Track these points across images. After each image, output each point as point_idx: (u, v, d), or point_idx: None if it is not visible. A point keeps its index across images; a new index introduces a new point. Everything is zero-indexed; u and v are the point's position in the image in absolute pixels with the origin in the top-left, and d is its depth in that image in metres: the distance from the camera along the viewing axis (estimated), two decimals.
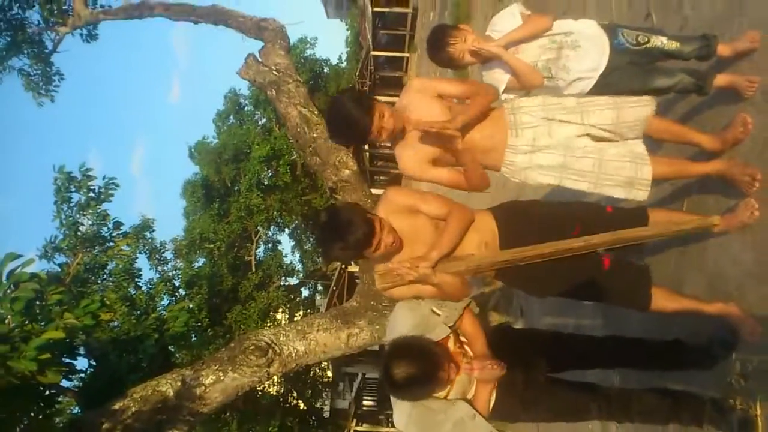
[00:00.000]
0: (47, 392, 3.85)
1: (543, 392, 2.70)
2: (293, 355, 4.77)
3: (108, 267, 10.21)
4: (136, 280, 11.97)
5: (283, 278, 20.70)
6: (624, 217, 2.80)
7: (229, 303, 16.63)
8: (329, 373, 19.06)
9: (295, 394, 16.15)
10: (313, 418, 16.53)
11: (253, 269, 19.04)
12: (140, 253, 14.38)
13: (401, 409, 2.47)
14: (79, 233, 7.67)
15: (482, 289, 7.30)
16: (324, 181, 5.98)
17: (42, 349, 3.26)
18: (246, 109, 23.25)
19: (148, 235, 14.14)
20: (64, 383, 5.14)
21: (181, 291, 15.59)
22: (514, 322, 6.40)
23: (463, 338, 2.65)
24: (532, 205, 2.94)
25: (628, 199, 2.87)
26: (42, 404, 3.80)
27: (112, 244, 8.22)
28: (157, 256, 15.50)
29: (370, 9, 25.83)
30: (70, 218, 7.54)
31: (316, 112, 5.91)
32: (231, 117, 23.12)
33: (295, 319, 17.68)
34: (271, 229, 21.99)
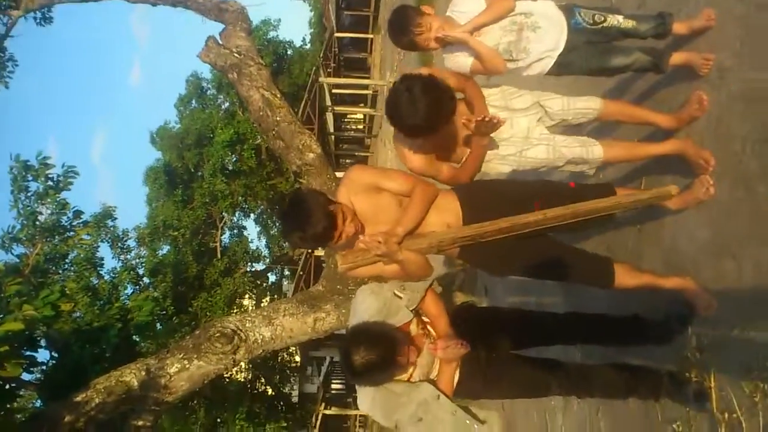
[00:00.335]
0: (7, 386, 3.79)
1: (506, 369, 2.73)
2: (259, 341, 4.75)
3: (69, 257, 10.04)
4: (99, 269, 11.81)
5: (249, 264, 20.59)
6: (587, 192, 2.82)
7: (194, 290, 16.49)
8: (297, 358, 19.07)
9: (263, 380, 16.15)
10: (282, 403, 16.56)
11: (219, 255, 18.88)
12: (102, 241, 14.16)
13: (365, 393, 2.49)
14: (37, 223, 7.53)
15: (446, 270, 7.36)
16: (288, 165, 5.94)
17: (0, 341, 3.20)
18: (208, 92, 22.90)
19: (109, 223, 13.93)
20: (25, 376, 5.04)
21: (146, 279, 15.41)
22: (479, 302, 6.46)
23: (426, 318, 2.66)
24: (494, 183, 2.96)
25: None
26: (1, 398, 3.73)
27: (72, 233, 8.09)
28: (119, 244, 15.28)
29: None
30: (28, 208, 7.39)
31: (279, 96, 5.84)
32: (193, 101, 22.72)
33: (262, 305, 17.59)
34: (236, 214, 21.78)
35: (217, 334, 4.61)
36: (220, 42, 6.00)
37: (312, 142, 5.65)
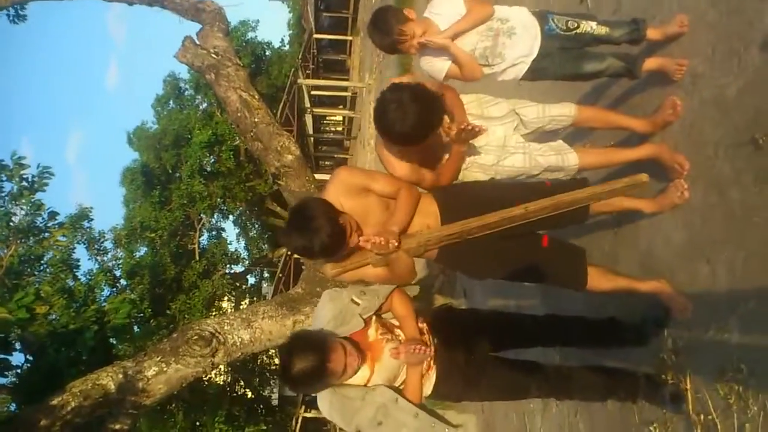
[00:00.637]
0: None
1: (485, 371, 2.74)
2: (238, 343, 4.73)
3: (44, 258, 9.92)
4: (75, 271, 11.67)
5: (228, 266, 20.48)
6: (563, 188, 2.82)
7: (172, 292, 16.36)
8: (277, 361, 18.97)
9: (242, 383, 16.07)
10: (262, 406, 16.49)
11: (197, 257, 18.76)
12: (78, 243, 14.02)
13: (322, 397, 2.49)
14: (12, 224, 7.45)
15: (426, 273, 7.38)
16: (267, 167, 5.91)
17: None
18: (186, 93, 22.73)
19: (85, 224, 13.81)
20: None
21: (123, 281, 15.28)
22: (458, 305, 6.49)
23: (394, 321, 2.67)
24: (471, 186, 2.97)
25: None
26: None
27: (47, 234, 8.01)
28: (96, 246, 15.14)
29: None
30: (2, 208, 7.32)
31: (257, 97, 5.83)
32: (171, 101, 22.53)
33: (241, 307, 17.51)
34: (215, 216, 21.65)
35: (195, 337, 4.58)
36: (198, 42, 5.97)
37: (291, 143, 5.64)
